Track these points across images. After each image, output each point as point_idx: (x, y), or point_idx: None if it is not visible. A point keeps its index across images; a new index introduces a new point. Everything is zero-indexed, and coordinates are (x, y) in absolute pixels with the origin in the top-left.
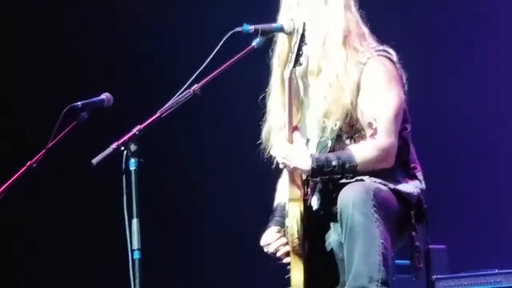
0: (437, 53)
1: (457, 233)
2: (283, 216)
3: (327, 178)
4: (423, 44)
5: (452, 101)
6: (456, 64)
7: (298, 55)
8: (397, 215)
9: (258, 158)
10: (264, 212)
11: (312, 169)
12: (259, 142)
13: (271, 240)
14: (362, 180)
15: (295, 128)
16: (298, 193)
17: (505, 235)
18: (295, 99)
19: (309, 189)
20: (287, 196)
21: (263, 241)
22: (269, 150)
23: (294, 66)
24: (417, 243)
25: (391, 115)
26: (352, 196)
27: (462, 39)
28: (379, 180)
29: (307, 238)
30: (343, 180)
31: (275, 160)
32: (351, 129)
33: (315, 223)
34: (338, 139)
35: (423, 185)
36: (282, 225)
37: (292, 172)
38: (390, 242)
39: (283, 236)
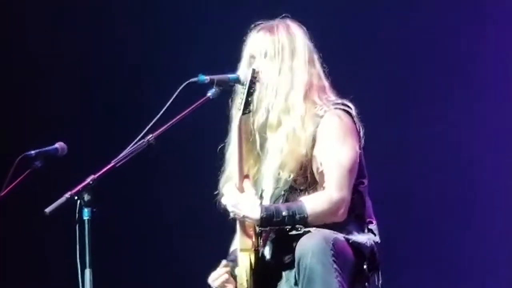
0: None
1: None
2: (233, 261)
3: (278, 228)
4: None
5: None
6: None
7: (247, 103)
8: (353, 266)
9: (216, 208)
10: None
11: (261, 218)
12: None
13: (218, 274)
14: (309, 231)
15: (245, 177)
16: (249, 243)
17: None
18: (252, 151)
19: (261, 240)
20: (238, 246)
21: (210, 278)
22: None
23: (243, 114)
24: None
25: (345, 169)
26: (311, 245)
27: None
28: (332, 232)
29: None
30: (294, 232)
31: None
32: (305, 181)
33: (267, 273)
34: (292, 191)
35: (378, 239)
36: (234, 264)
37: (243, 221)
38: None
39: (229, 271)
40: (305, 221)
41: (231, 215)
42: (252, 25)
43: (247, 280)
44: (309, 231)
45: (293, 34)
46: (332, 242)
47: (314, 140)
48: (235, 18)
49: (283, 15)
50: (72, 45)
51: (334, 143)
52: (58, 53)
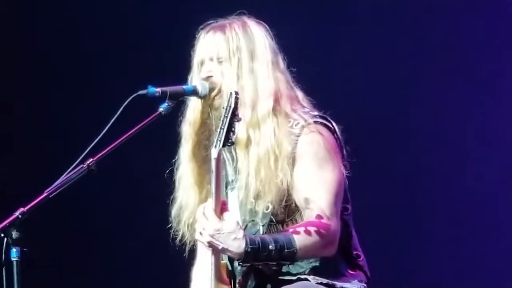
0: None
1: None
2: None
3: (258, 270)
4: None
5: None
6: None
7: (229, 132)
8: None
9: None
10: None
11: (246, 252)
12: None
13: None
14: (306, 279)
15: (223, 204)
16: None
17: None
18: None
19: (238, 286)
20: None
21: None
22: (182, 232)
23: (224, 146)
24: None
25: (332, 195)
26: None
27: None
28: (325, 281)
29: None
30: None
31: (194, 240)
32: (284, 211)
33: None
34: (270, 224)
35: (368, 277)
36: None
37: (217, 263)
38: None
39: None
40: (294, 256)
41: (205, 245)
42: (201, 26)
43: None
44: (305, 279)
45: (250, 32)
46: None
47: (292, 163)
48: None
49: (238, 11)
50: None
51: (318, 165)
52: None
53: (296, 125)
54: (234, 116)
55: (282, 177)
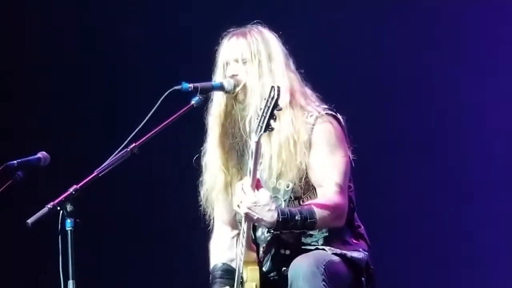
0: None
1: None
2: (223, 277)
3: (278, 239)
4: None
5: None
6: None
7: (270, 119)
8: (349, 283)
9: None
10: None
11: (277, 221)
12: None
13: None
14: (323, 249)
15: (258, 181)
16: (254, 256)
17: None
18: (234, 159)
19: (262, 253)
20: (241, 259)
21: None
22: (211, 210)
23: (265, 131)
24: None
25: (342, 174)
26: (302, 268)
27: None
28: (338, 251)
29: None
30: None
31: (238, 212)
32: (301, 189)
33: None
34: (289, 199)
35: (368, 245)
36: (223, 286)
37: (248, 232)
38: None
39: None
40: (314, 226)
41: (242, 216)
42: (224, 33)
43: None
44: (323, 249)
45: (267, 38)
46: (323, 267)
47: (309, 148)
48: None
49: (254, 21)
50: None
51: (331, 150)
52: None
53: (310, 116)
54: (276, 105)
55: (301, 159)
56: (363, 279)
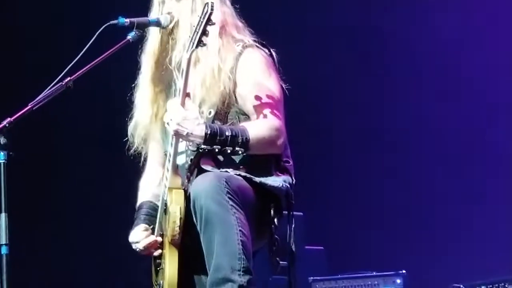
0: None
1: (336, 235)
2: (148, 215)
3: (200, 168)
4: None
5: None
6: None
7: (203, 35)
8: (255, 206)
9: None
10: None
11: (205, 135)
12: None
13: (140, 238)
14: (226, 171)
15: (187, 95)
16: (179, 182)
17: (385, 237)
18: (162, 91)
19: (186, 180)
20: (166, 185)
21: (132, 238)
22: (136, 146)
23: (197, 47)
24: (276, 237)
25: (277, 99)
26: (203, 185)
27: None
28: (243, 174)
29: (186, 227)
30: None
31: (145, 152)
32: (225, 116)
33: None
34: None
35: (293, 180)
36: (148, 223)
37: (174, 156)
38: (248, 229)
39: (150, 234)
40: (247, 145)
41: (172, 132)
42: None
43: (180, 218)
44: (225, 171)
45: None
46: (224, 180)
47: (234, 74)
48: None
49: None
50: None
51: (261, 76)
52: None
53: (238, 45)
54: (208, 21)
55: (225, 85)
56: (272, 205)
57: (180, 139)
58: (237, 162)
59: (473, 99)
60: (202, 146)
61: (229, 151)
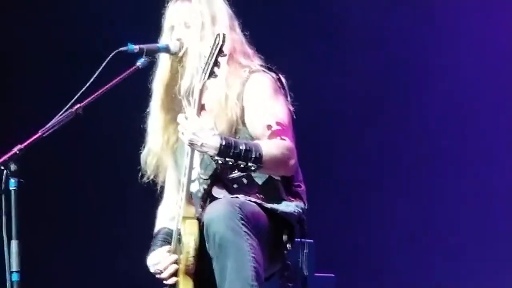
0: None
1: (347, 262)
2: (165, 241)
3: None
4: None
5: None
6: None
7: (215, 66)
8: (267, 231)
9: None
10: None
11: (220, 146)
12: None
13: (161, 258)
14: (237, 197)
15: (202, 108)
16: (193, 211)
17: (396, 265)
18: (173, 120)
19: (200, 208)
20: (180, 215)
21: (151, 261)
22: (148, 174)
23: (209, 77)
24: (288, 262)
25: (286, 122)
26: (217, 211)
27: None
28: (254, 199)
29: (200, 257)
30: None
31: (161, 180)
32: None
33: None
34: None
35: (305, 206)
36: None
37: (187, 187)
38: (261, 255)
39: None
40: (260, 161)
41: (186, 143)
42: None
43: (195, 249)
44: (236, 197)
45: (211, 1)
46: (238, 206)
47: (241, 100)
48: None
49: None
50: None
51: (268, 100)
52: None
53: (245, 71)
54: (220, 52)
55: (232, 112)
56: (284, 231)
57: (194, 150)
58: (248, 189)
59: (474, 100)
60: (215, 158)
61: (242, 166)
